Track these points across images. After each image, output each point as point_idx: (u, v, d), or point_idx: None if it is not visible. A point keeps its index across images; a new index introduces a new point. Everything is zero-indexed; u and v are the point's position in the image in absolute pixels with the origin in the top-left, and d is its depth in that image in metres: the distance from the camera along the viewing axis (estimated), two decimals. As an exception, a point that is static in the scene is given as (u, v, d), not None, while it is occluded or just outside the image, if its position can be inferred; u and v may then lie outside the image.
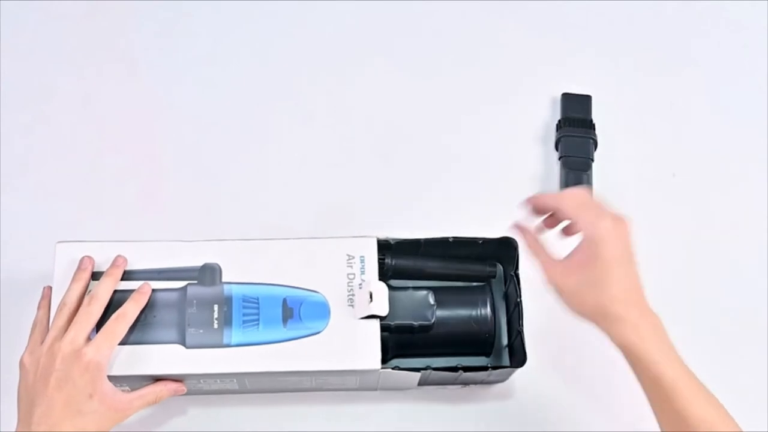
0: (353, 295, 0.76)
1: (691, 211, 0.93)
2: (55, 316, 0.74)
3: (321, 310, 0.76)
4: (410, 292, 0.79)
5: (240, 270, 0.77)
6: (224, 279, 0.77)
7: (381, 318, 0.76)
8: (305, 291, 0.77)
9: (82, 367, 0.71)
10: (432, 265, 0.83)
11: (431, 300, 0.78)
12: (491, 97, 0.97)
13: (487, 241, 0.80)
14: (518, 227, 0.74)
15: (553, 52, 1.00)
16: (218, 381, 0.77)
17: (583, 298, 0.68)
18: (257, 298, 0.76)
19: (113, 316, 0.73)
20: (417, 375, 0.77)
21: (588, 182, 0.91)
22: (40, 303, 0.77)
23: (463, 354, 0.81)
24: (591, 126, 0.94)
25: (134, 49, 0.99)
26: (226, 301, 0.76)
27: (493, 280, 0.83)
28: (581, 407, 0.82)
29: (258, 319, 0.76)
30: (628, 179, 0.94)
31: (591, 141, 0.93)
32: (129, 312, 0.74)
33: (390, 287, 0.76)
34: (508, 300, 0.79)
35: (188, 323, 0.75)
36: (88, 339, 0.72)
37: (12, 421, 0.74)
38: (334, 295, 0.76)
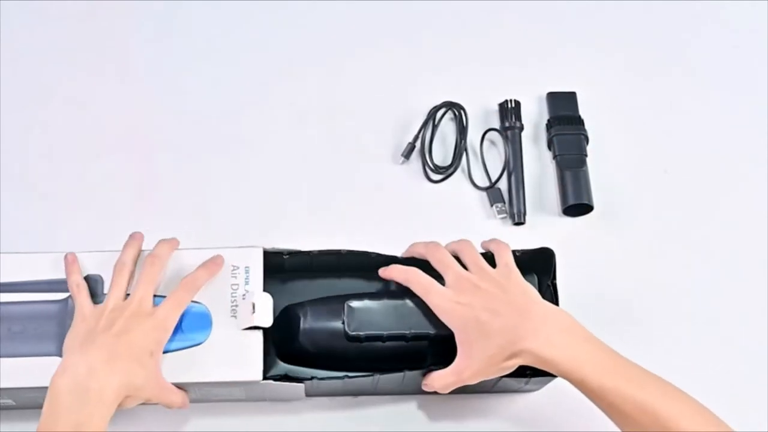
0: (237, 306, 0.75)
1: (683, 208, 0.93)
2: (115, 275, 0.73)
3: (203, 321, 0.74)
4: None
5: None
6: (106, 290, 0.74)
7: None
8: None
9: (151, 325, 0.70)
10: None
11: None
12: (483, 98, 0.97)
13: (524, 253, 0.78)
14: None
15: (540, 51, 1.01)
16: None
17: (487, 364, 0.70)
18: None
19: (182, 283, 0.73)
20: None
21: (585, 179, 0.91)
22: (69, 269, 0.74)
23: None
24: (581, 122, 0.94)
25: (133, 50, 1.00)
26: None
27: None
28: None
29: None
30: (619, 176, 0.93)
31: (583, 137, 0.93)
32: (199, 278, 0.74)
33: None
34: None
35: None
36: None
37: (14, 415, 0.75)
38: (217, 305, 0.75)
